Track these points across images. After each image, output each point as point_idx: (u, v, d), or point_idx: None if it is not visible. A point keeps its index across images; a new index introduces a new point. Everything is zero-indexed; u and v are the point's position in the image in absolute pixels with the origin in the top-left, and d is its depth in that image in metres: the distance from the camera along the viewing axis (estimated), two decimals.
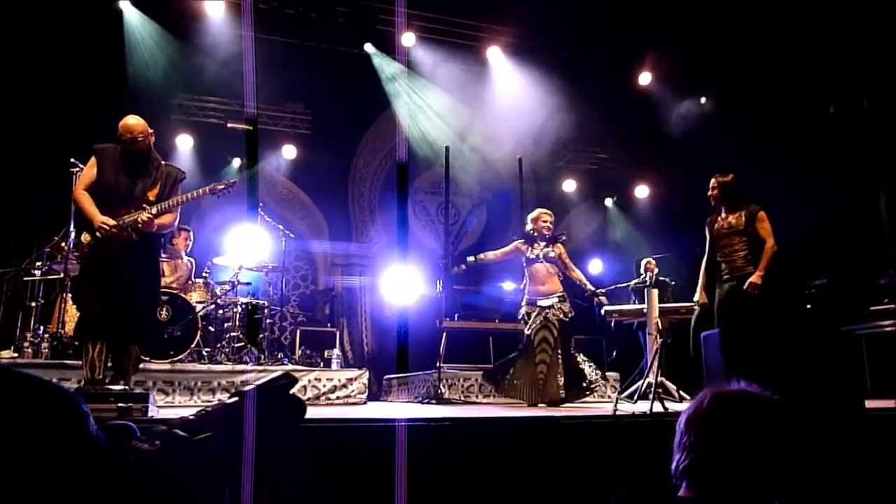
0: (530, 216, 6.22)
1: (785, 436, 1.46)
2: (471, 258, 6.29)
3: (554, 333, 5.74)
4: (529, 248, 6.05)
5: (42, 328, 5.84)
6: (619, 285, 7.46)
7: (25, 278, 6.20)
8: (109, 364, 4.41)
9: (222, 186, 4.46)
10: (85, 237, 4.23)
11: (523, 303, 5.98)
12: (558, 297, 5.89)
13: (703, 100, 9.85)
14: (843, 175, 7.75)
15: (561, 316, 5.82)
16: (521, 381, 5.77)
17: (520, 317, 6.01)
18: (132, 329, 4.23)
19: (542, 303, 5.87)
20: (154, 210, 4.20)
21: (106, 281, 4.15)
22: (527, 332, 5.84)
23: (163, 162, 4.47)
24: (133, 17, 8.19)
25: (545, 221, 6.10)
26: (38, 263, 6.07)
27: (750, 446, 1.44)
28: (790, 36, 7.72)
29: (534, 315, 5.83)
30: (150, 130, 4.35)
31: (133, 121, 4.31)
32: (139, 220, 4.16)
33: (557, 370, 5.68)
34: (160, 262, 4.65)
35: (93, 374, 4.10)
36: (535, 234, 6.08)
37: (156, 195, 4.28)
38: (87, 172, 4.31)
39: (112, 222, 4.13)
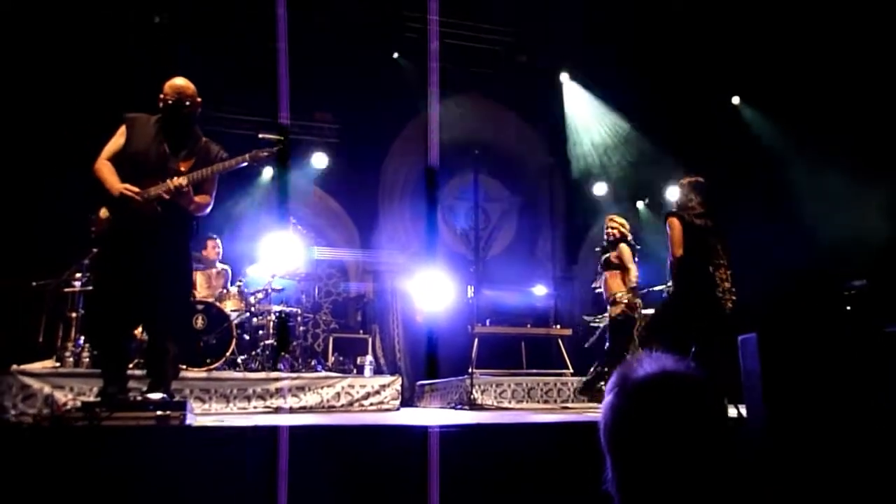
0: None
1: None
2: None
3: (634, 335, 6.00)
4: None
5: (83, 338, 5.95)
6: (652, 289, 7.36)
7: (65, 290, 6.32)
8: (142, 369, 4.17)
9: (265, 154, 3.90)
10: (103, 212, 3.73)
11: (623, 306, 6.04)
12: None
13: (736, 99, 9.69)
14: (882, 176, 7.56)
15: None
16: None
17: (614, 317, 6.06)
18: (162, 320, 3.75)
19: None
20: (184, 180, 3.67)
21: (126, 260, 3.65)
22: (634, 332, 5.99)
23: (204, 138, 3.98)
24: None
25: (608, 227, 6.31)
26: (78, 275, 6.18)
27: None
28: (837, 34, 7.52)
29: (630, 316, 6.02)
30: (199, 99, 3.91)
31: (182, 81, 3.85)
32: (171, 185, 3.63)
33: None
34: (191, 251, 4.12)
35: (117, 374, 3.69)
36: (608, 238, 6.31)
37: (188, 168, 3.78)
38: (115, 141, 3.82)
39: (136, 189, 3.63)
